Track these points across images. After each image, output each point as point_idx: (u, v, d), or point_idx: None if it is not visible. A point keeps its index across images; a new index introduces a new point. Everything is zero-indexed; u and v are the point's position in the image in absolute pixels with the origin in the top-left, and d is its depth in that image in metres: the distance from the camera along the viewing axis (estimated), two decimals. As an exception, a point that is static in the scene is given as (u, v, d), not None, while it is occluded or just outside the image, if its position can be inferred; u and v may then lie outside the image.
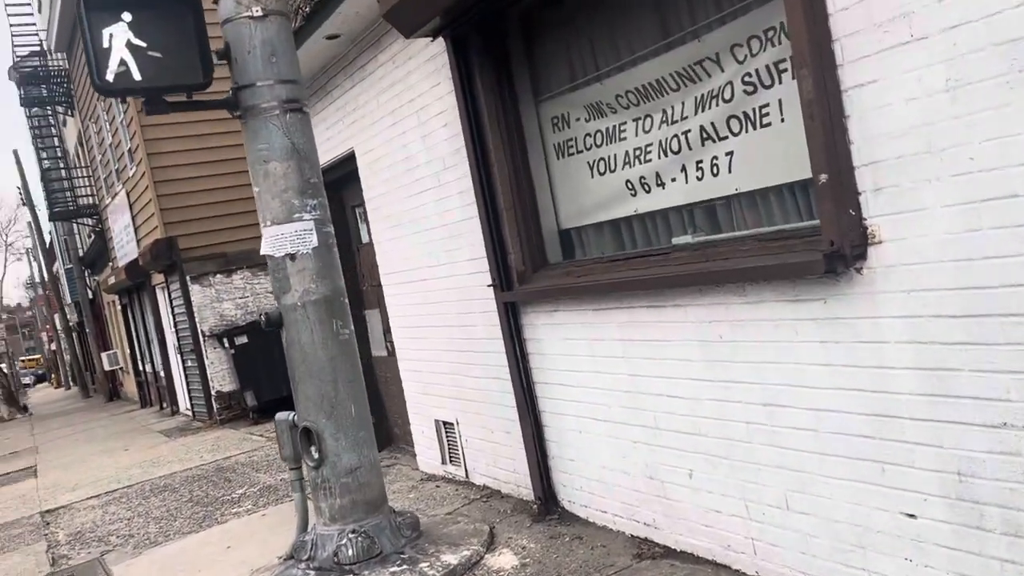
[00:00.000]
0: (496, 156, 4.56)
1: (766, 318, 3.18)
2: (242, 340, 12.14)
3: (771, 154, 3.18)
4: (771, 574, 3.39)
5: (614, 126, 3.95)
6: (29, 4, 20.71)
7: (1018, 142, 2.27)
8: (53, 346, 49.59)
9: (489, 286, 4.79)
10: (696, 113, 3.48)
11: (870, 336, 2.79)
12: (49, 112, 21.98)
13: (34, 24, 21.51)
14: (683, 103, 3.54)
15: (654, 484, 3.98)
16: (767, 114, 3.16)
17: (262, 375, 11.88)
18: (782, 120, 3.10)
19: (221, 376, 12.66)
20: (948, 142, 2.43)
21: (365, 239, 6.82)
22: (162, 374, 15.96)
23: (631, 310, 3.89)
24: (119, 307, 20.05)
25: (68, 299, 28.35)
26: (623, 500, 4.22)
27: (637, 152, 3.84)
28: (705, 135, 3.45)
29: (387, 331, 6.68)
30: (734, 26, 3.23)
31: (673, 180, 3.68)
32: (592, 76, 4.02)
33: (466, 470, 5.77)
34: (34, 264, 44.58)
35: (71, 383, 37.44)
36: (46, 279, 34.49)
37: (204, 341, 12.58)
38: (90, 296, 24.73)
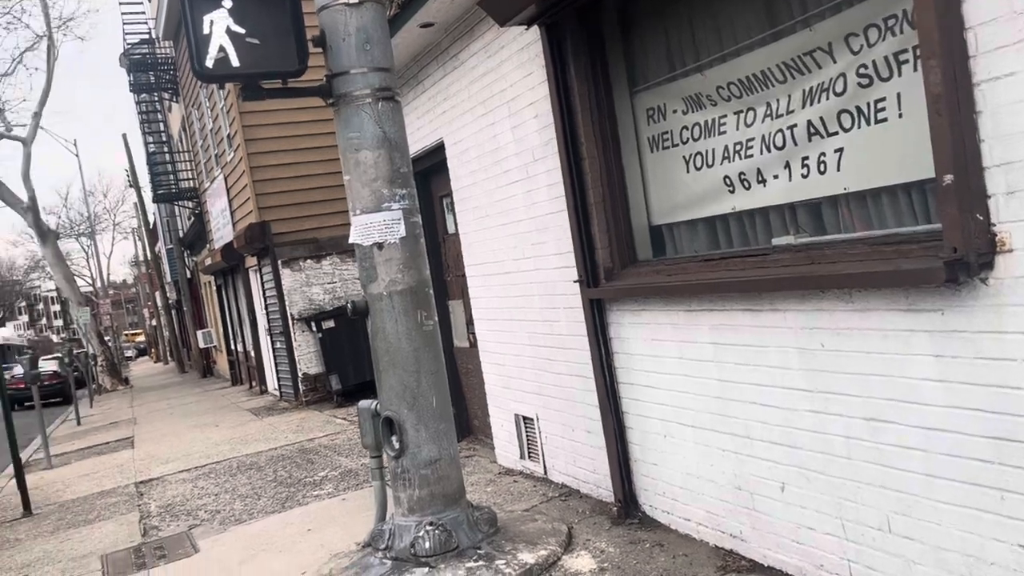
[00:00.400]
0: (587, 148, 4.44)
1: (874, 327, 2.97)
2: (329, 324, 12.41)
3: (886, 152, 2.97)
4: (868, 599, 3.19)
5: (713, 119, 3.78)
6: (140, -7, 21.66)
7: None
8: (153, 322, 52.09)
9: (575, 282, 4.68)
10: (804, 107, 3.29)
11: (993, 353, 2.56)
12: (156, 98, 22.96)
13: (143, 12, 22.51)
14: (789, 96, 3.35)
15: (742, 495, 3.80)
16: (883, 108, 2.95)
17: (347, 360, 12.14)
18: (900, 115, 2.89)
19: (308, 359, 12.98)
20: (1096, 142, 2.20)
21: (451, 230, 6.80)
22: (252, 354, 16.49)
23: (725, 312, 3.72)
24: (214, 287, 20.82)
25: (168, 278, 29.71)
26: (708, 509, 4.06)
27: (737, 147, 3.67)
28: (812, 130, 3.25)
29: (470, 322, 6.65)
30: (850, 14, 3.02)
31: (775, 177, 3.49)
32: (692, 66, 3.86)
33: (545, 467, 5.69)
34: (139, 243, 46.99)
35: (168, 358, 39.20)
36: (149, 258, 36.19)
37: (293, 324, 12.91)
38: (188, 276, 25.79)
